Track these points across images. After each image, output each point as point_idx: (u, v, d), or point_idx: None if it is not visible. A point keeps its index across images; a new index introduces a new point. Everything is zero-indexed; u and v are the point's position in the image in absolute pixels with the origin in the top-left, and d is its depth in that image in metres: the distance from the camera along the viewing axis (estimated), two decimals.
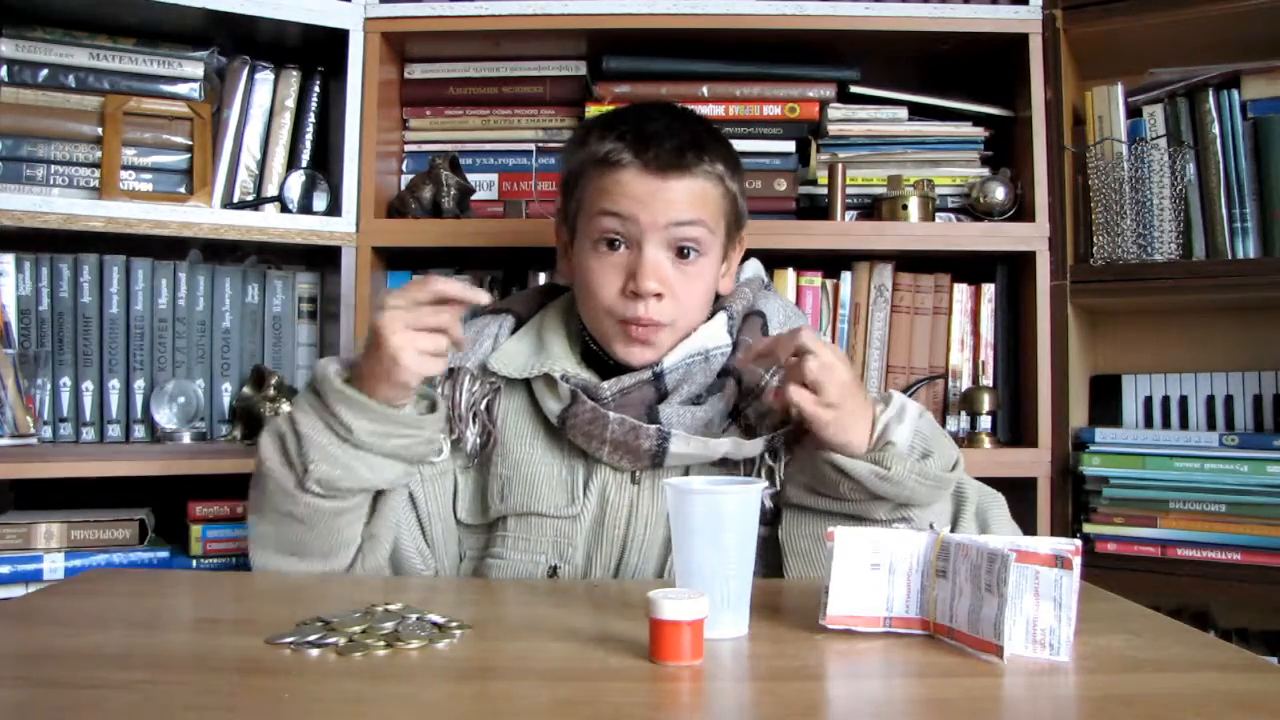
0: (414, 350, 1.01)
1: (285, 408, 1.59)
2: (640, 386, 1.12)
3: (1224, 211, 1.56)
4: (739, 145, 1.55)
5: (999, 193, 1.63)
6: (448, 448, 1.15)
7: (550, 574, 1.12)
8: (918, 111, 1.70)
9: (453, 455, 1.16)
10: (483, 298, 1.07)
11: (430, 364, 1.03)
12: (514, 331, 1.22)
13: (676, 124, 1.15)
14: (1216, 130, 1.56)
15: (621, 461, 1.12)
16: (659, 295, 1.11)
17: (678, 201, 1.10)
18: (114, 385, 1.59)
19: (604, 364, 1.17)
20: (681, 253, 1.12)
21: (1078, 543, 0.80)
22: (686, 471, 1.14)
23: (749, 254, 1.29)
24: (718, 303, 1.20)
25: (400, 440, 1.05)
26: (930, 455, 1.04)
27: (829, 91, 1.69)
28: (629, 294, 1.11)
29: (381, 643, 0.80)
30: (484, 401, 1.16)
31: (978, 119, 1.69)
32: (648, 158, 1.10)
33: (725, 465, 1.13)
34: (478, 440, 1.16)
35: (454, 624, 0.85)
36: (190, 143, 1.64)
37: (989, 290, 1.66)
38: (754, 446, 1.11)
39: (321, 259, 1.69)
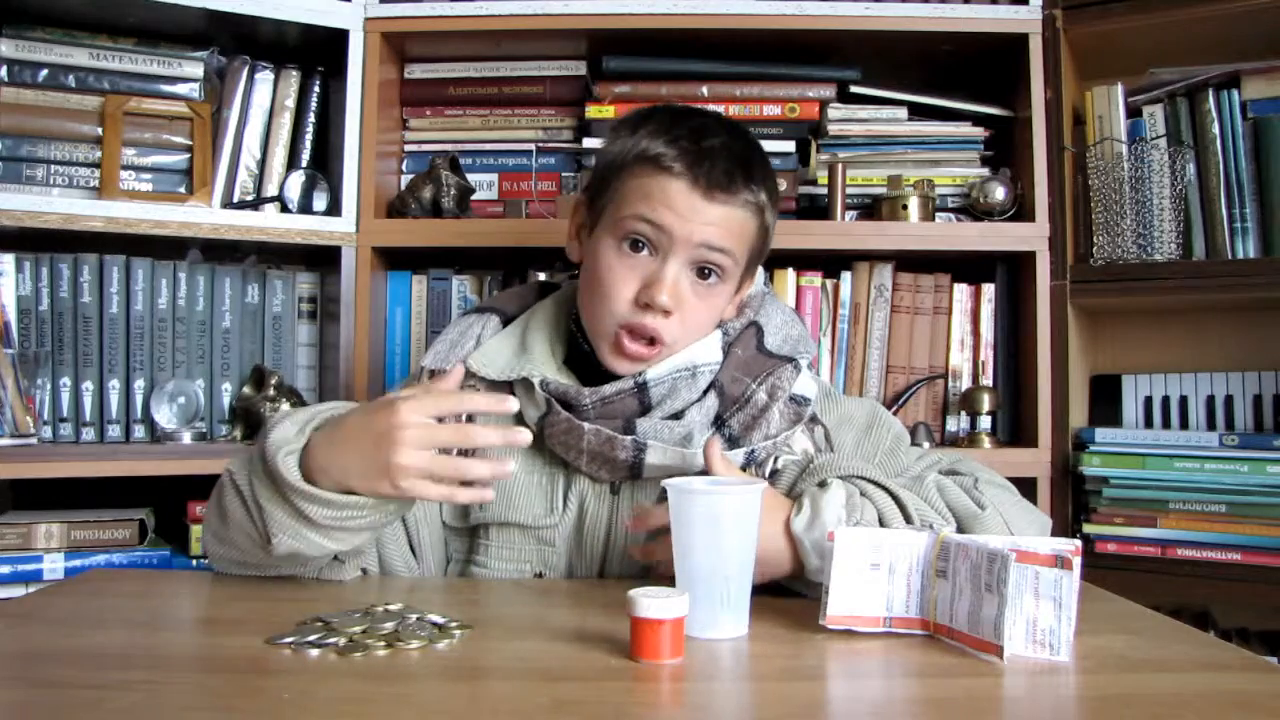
0: (421, 478, 0.93)
1: (285, 406, 1.58)
2: (622, 398, 1.07)
3: (1224, 211, 1.56)
4: None
5: (999, 193, 1.63)
6: None
7: (536, 579, 1.11)
8: (918, 111, 1.70)
9: None
10: (512, 406, 0.98)
11: (432, 491, 0.94)
12: (501, 329, 1.17)
13: (733, 143, 1.10)
14: (1216, 130, 1.57)
15: (600, 472, 1.09)
16: (668, 312, 1.07)
17: (715, 225, 1.06)
18: (114, 385, 1.59)
19: (588, 368, 1.13)
20: (702, 273, 1.08)
21: (1078, 543, 0.80)
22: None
23: None
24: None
25: (366, 518, 0.96)
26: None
27: (829, 91, 1.69)
28: (640, 304, 1.07)
29: (381, 643, 0.80)
30: None
31: (978, 119, 1.69)
32: (699, 173, 1.05)
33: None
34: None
35: (454, 624, 0.85)
36: (190, 143, 1.64)
37: (989, 290, 1.66)
38: (735, 458, 1.08)
39: (321, 259, 1.69)
